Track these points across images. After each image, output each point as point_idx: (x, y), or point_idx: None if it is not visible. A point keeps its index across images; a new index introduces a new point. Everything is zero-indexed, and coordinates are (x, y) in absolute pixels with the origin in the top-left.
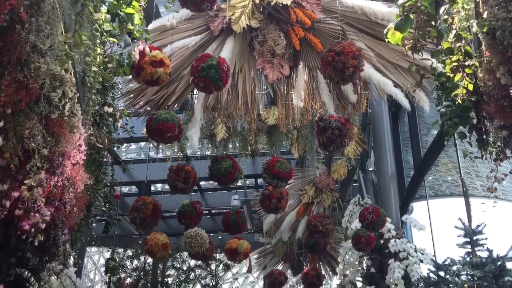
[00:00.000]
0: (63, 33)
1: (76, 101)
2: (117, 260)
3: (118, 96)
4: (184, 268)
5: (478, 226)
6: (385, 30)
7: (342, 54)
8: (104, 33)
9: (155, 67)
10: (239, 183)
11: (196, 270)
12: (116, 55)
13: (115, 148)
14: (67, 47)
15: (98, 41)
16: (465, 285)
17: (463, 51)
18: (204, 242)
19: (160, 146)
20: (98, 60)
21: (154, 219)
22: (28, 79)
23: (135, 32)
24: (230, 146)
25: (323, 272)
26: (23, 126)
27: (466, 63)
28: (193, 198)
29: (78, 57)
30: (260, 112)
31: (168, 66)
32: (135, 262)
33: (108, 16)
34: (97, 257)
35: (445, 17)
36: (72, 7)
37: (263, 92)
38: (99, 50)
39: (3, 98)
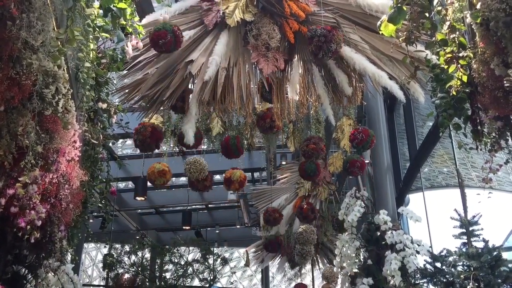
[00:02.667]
0: (55, 29)
1: (70, 97)
2: (115, 256)
3: (113, 91)
4: (182, 263)
5: (474, 216)
6: (378, 22)
7: None
8: (97, 29)
9: None
10: None
11: (194, 265)
12: (109, 50)
13: (111, 144)
14: (59, 43)
15: (90, 36)
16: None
17: (457, 42)
18: (203, 168)
19: None
20: (91, 55)
21: (153, 140)
22: (20, 76)
23: (127, 27)
24: None
25: (321, 265)
26: (17, 123)
27: (460, 55)
28: (190, 192)
29: (71, 53)
30: (256, 106)
31: None
32: (133, 257)
33: (101, 11)
34: (94, 253)
35: (439, 8)
36: (63, 2)
37: None
38: (92, 46)
39: None
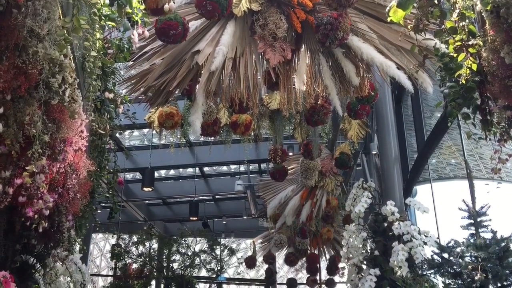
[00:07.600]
0: (61, 18)
1: (77, 87)
2: (123, 246)
3: (119, 82)
4: (189, 253)
5: (482, 207)
6: (387, 8)
7: None
8: (103, 17)
9: None
10: (243, 169)
11: (201, 255)
12: (116, 40)
13: (118, 135)
14: (65, 31)
15: (97, 25)
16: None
17: (466, 30)
18: (212, 111)
19: (163, 133)
20: (97, 45)
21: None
22: (26, 65)
23: (133, 16)
24: None
25: (327, 255)
26: (23, 113)
27: (470, 43)
28: (197, 183)
29: (77, 42)
30: (262, 97)
31: None
32: (141, 248)
33: (107, 0)
34: (103, 244)
35: None
36: None
37: None
38: (98, 35)
39: (2, 84)
